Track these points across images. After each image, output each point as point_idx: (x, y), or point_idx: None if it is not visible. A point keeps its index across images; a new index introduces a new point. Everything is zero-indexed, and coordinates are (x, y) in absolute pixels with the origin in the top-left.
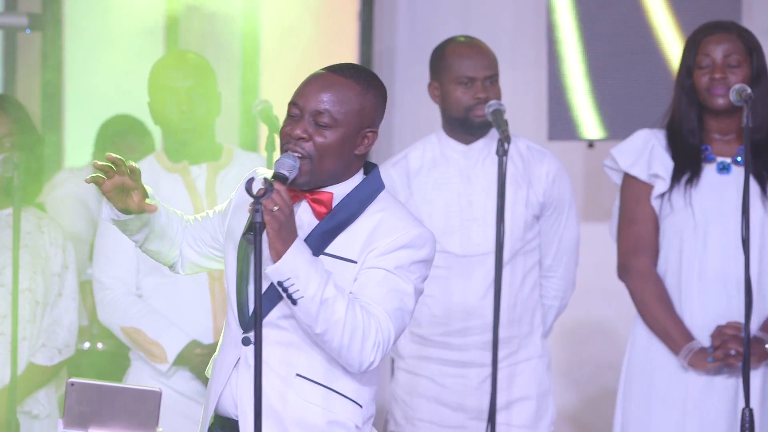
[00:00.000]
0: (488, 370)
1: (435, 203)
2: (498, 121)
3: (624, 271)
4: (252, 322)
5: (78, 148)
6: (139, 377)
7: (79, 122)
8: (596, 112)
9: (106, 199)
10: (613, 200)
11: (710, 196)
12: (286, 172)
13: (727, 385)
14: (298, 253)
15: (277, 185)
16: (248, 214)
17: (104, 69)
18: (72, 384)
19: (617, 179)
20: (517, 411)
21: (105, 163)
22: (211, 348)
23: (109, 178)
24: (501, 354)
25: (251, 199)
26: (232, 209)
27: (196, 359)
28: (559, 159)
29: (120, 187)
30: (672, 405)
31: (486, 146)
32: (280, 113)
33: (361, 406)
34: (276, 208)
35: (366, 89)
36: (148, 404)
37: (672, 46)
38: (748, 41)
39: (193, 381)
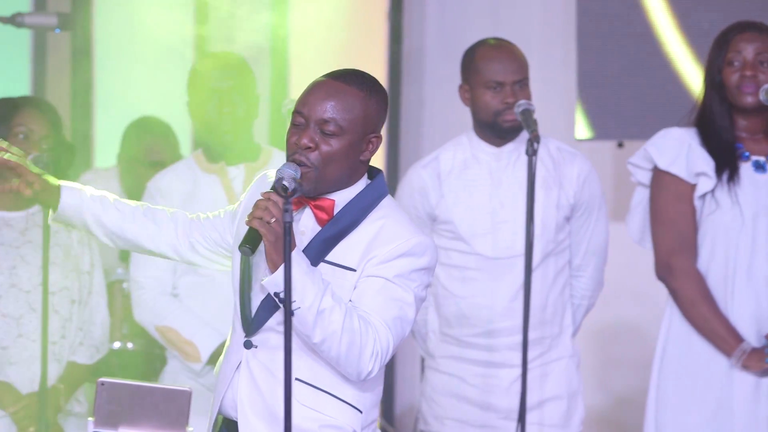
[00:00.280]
0: (519, 371)
1: (466, 205)
2: (527, 121)
3: (666, 271)
4: (253, 326)
5: (107, 148)
6: (175, 376)
7: (109, 122)
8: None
9: None
10: None
11: (753, 194)
12: (286, 183)
13: None
14: (294, 264)
15: (273, 197)
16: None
17: (134, 69)
18: (102, 383)
19: (642, 177)
20: (549, 410)
21: None
22: None
23: None
24: (532, 354)
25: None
26: (242, 213)
27: None
28: (589, 159)
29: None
30: (718, 406)
31: (516, 148)
32: None
33: (361, 412)
34: (273, 219)
35: (369, 95)
36: (178, 404)
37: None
38: None
39: None
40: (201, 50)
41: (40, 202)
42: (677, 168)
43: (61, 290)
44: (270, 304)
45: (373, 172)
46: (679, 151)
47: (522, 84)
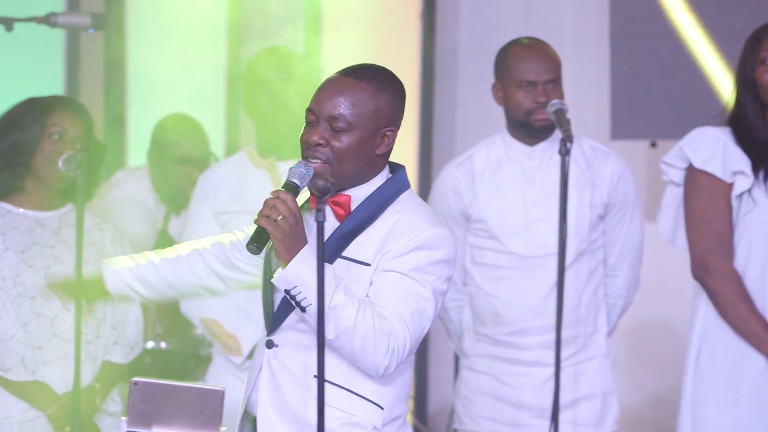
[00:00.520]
0: (552, 370)
1: (499, 204)
2: (560, 121)
3: (703, 270)
4: (273, 325)
5: (141, 146)
6: (219, 373)
7: (142, 121)
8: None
9: None
10: None
11: None
12: (296, 181)
13: None
14: (304, 261)
15: (282, 195)
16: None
17: (167, 67)
18: (135, 383)
19: (675, 176)
20: (582, 409)
21: None
22: None
23: None
24: (566, 353)
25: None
26: None
27: None
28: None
29: None
30: (755, 405)
31: (549, 148)
32: None
33: (381, 408)
34: (280, 217)
35: (380, 89)
36: (211, 403)
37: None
38: None
39: None
40: (234, 51)
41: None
42: (713, 167)
43: None
44: (285, 304)
45: (395, 168)
46: (715, 149)
47: (554, 83)
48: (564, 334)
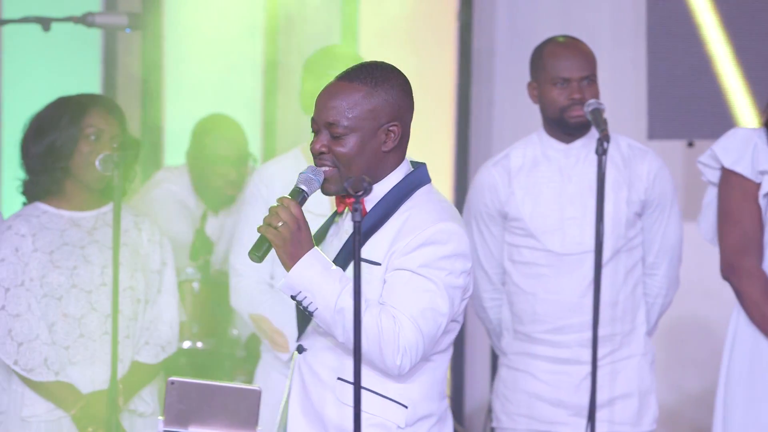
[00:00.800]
0: (589, 368)
1: (535, 202)
2: (597, 120)
3: (730, 271)
4: (300, 329)
5: (178, 146)
6: (268, 372)
7: (179, 121)
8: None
9: None
10: None
11: None
12: (303, 186)
13: None
14: (307, 266)
15: (285, 201)
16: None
17: (204, 67)
18: (172, 383)
19: (711, 176)
20: (619, 408)
21: None
22: None
23: None
24: (603, 351)
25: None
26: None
27: None
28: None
29: None
30: None
31: (585, 145)
32: None
33: (406, 407)
34: (281, 224)
35: (374, 87)
36: (248, 403)
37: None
38: None
39: None
40: (271, 52)
41: None
42: (742, 167)
43: (125, 290)
44: None
45: (416, 166)
46: (745, 149)
47: (589, 80)
48: (600, 332)
